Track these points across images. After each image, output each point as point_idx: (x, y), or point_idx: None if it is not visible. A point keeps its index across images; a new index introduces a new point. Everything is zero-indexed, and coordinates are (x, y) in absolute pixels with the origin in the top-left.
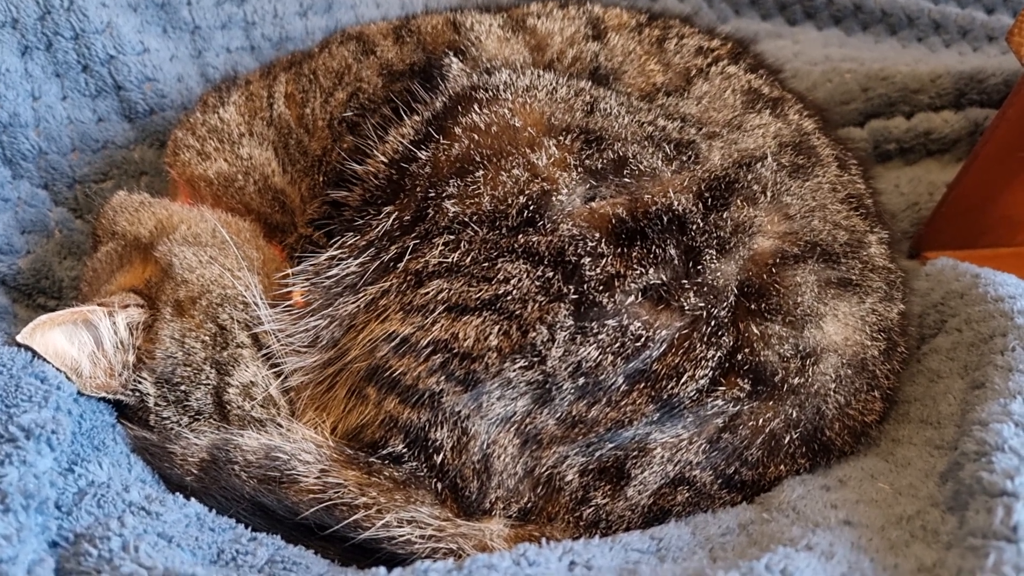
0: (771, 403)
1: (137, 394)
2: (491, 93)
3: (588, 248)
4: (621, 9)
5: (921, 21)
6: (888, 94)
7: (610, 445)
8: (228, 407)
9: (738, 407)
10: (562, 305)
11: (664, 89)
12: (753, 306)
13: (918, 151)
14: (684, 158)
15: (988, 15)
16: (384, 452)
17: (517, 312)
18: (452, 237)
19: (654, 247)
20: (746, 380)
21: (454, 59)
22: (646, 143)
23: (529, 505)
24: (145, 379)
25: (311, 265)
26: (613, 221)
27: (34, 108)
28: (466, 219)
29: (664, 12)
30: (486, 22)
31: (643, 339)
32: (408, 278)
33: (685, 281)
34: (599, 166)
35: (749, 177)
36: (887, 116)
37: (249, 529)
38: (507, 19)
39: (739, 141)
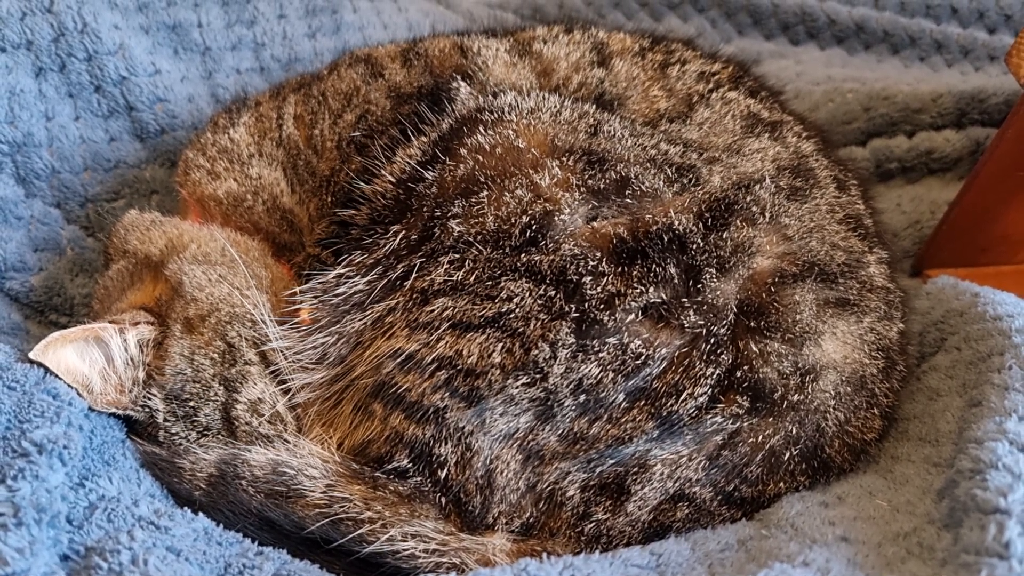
0: (770, 420)
1: (147, 410)
2: (496, 115)
3: (589, 267)
4: (625, 33)
5: (923, 41)
6: (890, 113)
7: (611, 461)
8: (236, 423)
9: (737, 424)
10: (564, 323)
11: (667, 116)
12: (752, 324)
13: (920, 170)
14: (685, 180)
15: (990, 35)
16: (389, 467)
17: (520, 330)
18: (457, 256)
19: (654, 266)
20: (745, 397)
21: (462, 83)
22: (648, 165)
23: (531, 520)
24: (155, 395)
25: (319, 283)
26: (614, 241)
27: (47, 128)
28: (470, 238)
29: (667, 34)
30: (493, 47)
31: (643, 357)
32: (414, 296)
33: (685, 300)
34: (601, 186)
35: (748, 199)
36: (889, 135)
37: (256, 543)
38: (513, 43)
39: (738, 165)
